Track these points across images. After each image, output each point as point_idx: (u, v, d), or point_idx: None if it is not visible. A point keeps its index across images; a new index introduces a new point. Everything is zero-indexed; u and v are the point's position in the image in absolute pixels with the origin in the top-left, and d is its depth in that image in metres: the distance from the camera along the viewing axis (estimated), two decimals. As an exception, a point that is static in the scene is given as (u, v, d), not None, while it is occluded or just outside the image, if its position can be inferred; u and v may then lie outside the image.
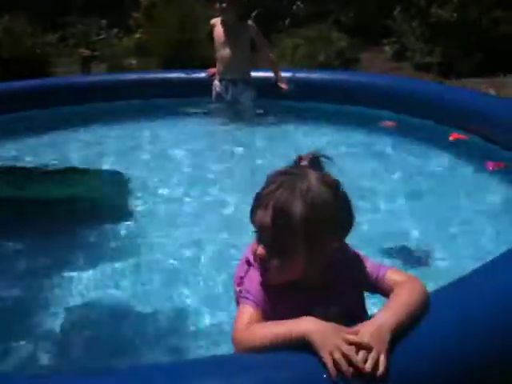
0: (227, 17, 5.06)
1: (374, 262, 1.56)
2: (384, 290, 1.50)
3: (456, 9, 7.50)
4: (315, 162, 1.48)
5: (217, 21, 5.21)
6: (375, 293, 1.54)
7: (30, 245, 3.09)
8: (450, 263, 2.70)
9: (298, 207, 1.37)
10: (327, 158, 1.51)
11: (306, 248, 1.41)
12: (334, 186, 1.43)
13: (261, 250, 1.42)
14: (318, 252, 1.43)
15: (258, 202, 1.42)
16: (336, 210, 1.42)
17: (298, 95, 5.17)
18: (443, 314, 1.48)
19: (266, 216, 1.39)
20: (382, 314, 1.38)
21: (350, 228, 1.49)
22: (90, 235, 3.16)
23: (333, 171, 1.52)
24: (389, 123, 4.69)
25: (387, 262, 2.51)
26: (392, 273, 1.52)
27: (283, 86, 5.15)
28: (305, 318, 1.35)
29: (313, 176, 1.41)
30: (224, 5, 4.98)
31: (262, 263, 1.44)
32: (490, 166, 3.75)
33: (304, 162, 1.48)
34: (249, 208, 1.47)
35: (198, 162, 4.25)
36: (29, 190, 3.65)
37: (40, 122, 5.19)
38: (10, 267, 2.87)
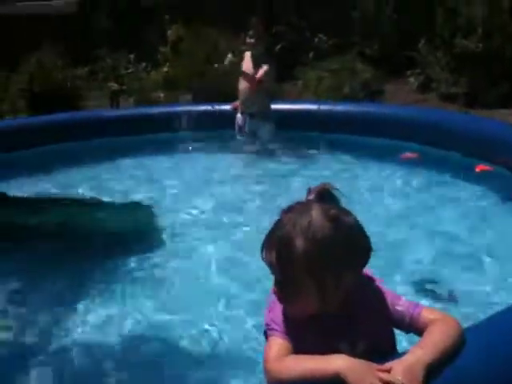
0: (255, 51, 5.15)
1: (408, 301, 1.54)
2: (419, 329, 1.47)
3: (481, 39, 7.50)
4: (324, 194, 1.49)
5: (246, 54, 5.31)
6: (410, 332, 1.52)
7: (65, 274, 3.15)
8: (480, 298, 2.65)
9: (298, 243, 1.38)
10: (336, 189, 1.51)
11: (313, 283, 1.41)
12: (338, 219, 1.42)
13: (274, 288, 1.48)
14: (330, 286, 1.43)
15: (266, 241, 1.46)
16: (340, 244, 1.41)
17: (321, 126, 5.21)
18: (474, 352, 1.45)
19: (271, 254, 1.43)
20: (415, 351, 1.36)
21: (365, 259, 1.48)
22: (119, 266, 3.21)
23: (350, 203, 1.52)
24: (410, 155, 4.68)
25: (414, 297, 2.48)
26: (427, 311, 1.49)
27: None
28: (337, 355, 1.35)
29: (316, 210, 1.42)
30: (252, 40, 5.08)
31: (280, 300, 1.48)
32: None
33: (311, 196, 1.49)
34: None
35: (222, 193, 4.29)
36: (61, 221, 3.69)
37: (71, 154, 5.30)
38: (42, 295, 2.94)
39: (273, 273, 1.46)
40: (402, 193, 4.14)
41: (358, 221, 1.48)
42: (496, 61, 7.33)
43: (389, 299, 1.52)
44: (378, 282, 1.57)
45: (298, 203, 1.48)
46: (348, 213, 1.47)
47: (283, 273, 1.42)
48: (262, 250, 1.47)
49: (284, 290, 1.45)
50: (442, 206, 3.83)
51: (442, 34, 7.92)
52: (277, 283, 1.46)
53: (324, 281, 1.41)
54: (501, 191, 3.91)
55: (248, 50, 5.28)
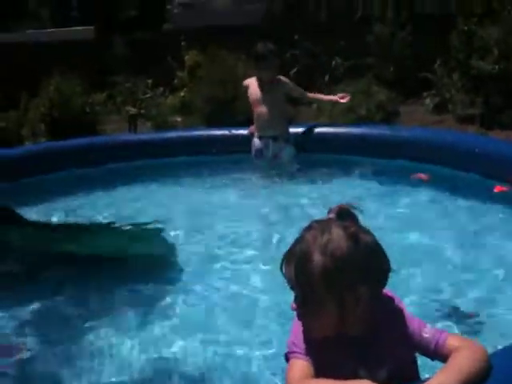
0: (264, 75, 5.19)
1: (433, 328, 1.54)
2: (444, 356, 1.46)
3: (497, 60, 7.49)
4: (343, 213, 1.50)
5: (250, 80, 5.36)
6: (435, 358, 1.51)
7: (77, 297, 3.16)
8: (505, 321, 2.62)
9: (317, 259, 1.40)
10: (356, 209, 1.53)
11: (332, 300, 1.42)
12: (357, 237, 1.44)
13: (293, 304, 1.48)
14: (349, 303, 1.43)
15: (285, 259, 1.48)
16: (359, 261, 1.42)
17: (340, 149, 5.24)
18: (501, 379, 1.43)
19: (290, 271, 1.45)
20: (438, 377, 1.36)
21: (383, 278, 1.48)
22: (131, 290, 3.22)
23: (369, 223, 1.54)
24: (422, 175, 4.66)
25: (435, 321, 2.46)
26: (453, 338, 1.49)
27: (341, 98, 5.27)
28: (360, 380, 1.36)
29: (335, 228, 1.44)
30: (266, 66, 5.13)
31: (299, 318, 1.50)
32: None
33: (331, 215, 1.51)
34: None
35: (239, 218, 4.29)
36: (71, 245, 3.71)
37: (88, 178, 5.36)
38: (52, 319, 2.96)
39: (292, 288, 1.48)
40: (421, 214, 4.12)
41: (376, 240, 1.50)
42: (512, 82, 7.32)
43: (415, 325, 1.51)
44: (398, 302, 1.56)
45: (318, 221, 1.51)
46: (367, 231, 1.49)
47: (302, 288, 1.44)
48: (281, 266, 1.48)
49: (303, 305, 1.46)
50: (462, 229, 3.80)
51: (458, 55, 7.94)
52: (296, 298, 1.47)
53: (342, 297, 1.42)
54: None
55: (254, 76, 5.34)
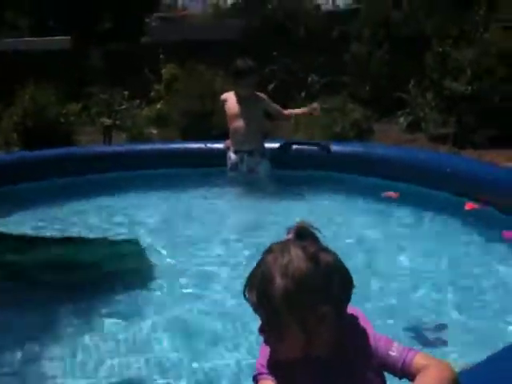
0: (242, 91, 5.21)
1: (400, 345, 1.53)
2: (411, 375, 1.46)
3: (469, 81, 7.66)
4: (302, 233, 1.50)
5: (228, 95, 5.37)
6: (403, 377, 1.51)
7: (59, 311, 3.11)
8: (469, 340, 2.64)
9: (278, 282, 1.40)
10: (315, 228, 1.52)
11: (295, 321, 1.41)
12: (317, 257, 1.44)
13: (259, 329, 1.47)
14: (312, 324, 1.42)
15: (247, 282, 1.47)
16: (320, 281, 1.42)
17: (315, 165, 5.29)
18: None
19: (252, 295, 1.44)
20: None
21: (346, 297, 1.48)
22: (109, 304, 3.17)
23: (338, 241, 1.54)
24: (392, 193, 4.72)
25: (402, 340, 2.47)
26: (420, 357, 1.48)
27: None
28: None
29: (294, 249, 1.43)
30: (245, 82, 5.15)
31: (266, 342, 1.49)
32: (507, 234, 3.73)
33: (290, 235, 1.50)
34: None
35: (214, 232, 4.28)
36: (49, 257, 3.66)
37: (61, 190, 5.31)
38: (23, 332, 2.90)
39: (256, 313, 1.47)
40: (390, 231, 4.16)
41: (338, 258, 1.49)
42: (485, 102, 7.47)
43: (382, 343, 1.51)
44: (364, 320, 1.56)
45: (278, 243, 1.50)
46: (328, 250, 1.48)
47: (265, 311, 1.43)
48: (244, 289, 1.48)
49: (268, 329, 1.45)
50: (429, 244, 3.85)
51: (432, 76, 8.09)
52: (262, 323, 1.47)
53: (305, 318, 1.41)
54: (490, 228, 3.94)
55: (230, 90, 5.37)
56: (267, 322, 1.44)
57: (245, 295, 1.47)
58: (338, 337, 1.48)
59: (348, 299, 1.49)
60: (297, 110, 5.77)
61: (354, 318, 1.55)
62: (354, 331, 1.53)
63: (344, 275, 1.48)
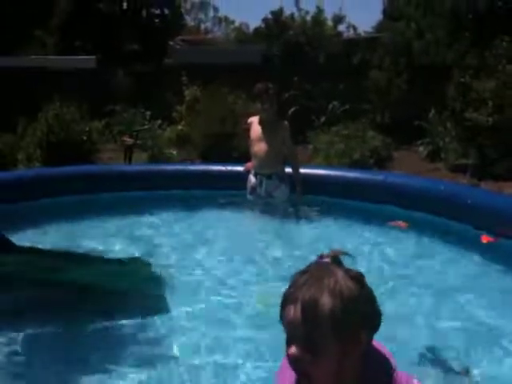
0: (266, 116, 5.27)
1: (419, 383, 1.52)
2: None
3: (491, 112, 7.65)
4: (337, 259, 1.51)
5: (254, 119, 5.43)
6: None
7: (55, 330, 3.10)
8: (489, 372, 2.61)
9: (326, 300, 1.38)
10: (348, 255, 1.53)
11: (336, 342, 1.39)
12: (361, 280, 1.44)
13: (293, 349, 1.40)
14: (351, 347, 1.41)
15: (286, 300, 1.43)
16: (363, 304, 1.42)
17: (333, 192, 5.29)
18: None
19: (295, 312, 1.39)
20: None
21: (377, 325, 1.48)
22: (118, 323, 3.17)
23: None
24: (400, 223, 4.71)
25: (424, 370, 2.45)
26: None
27: (298, 198, 5.28)
28: None
29: (338, 271, 1.44)
30: (266, 105, 5.22)
31: (296, 364, 1.42)
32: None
33: (326, 259, 1.50)
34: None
35: (231, 254, 4.29)
36: (61, 274, 3.68)
37: (79, 207, 5.37)
38: (28, 350, 2.89)
39: (292, 334, 1.41)
40: (407, 261, 4.14)
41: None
42: (505, 134, 7.45)
43: (403, 379, 1.50)
44: (387, 354, 1.55)
45: (317, 265, 1.49)
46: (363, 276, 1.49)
47: (308, 331, 1.39)
48: (280, 311, 1.44)
49: (305, 350, 1.39)
50: (447, 275, 3.83)
51: (454, 106, 8.10)
52: (297, 344, 1.40)
53: (346, 340, 1.40)
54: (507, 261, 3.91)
55: (257, 115, 5.41)
56: (308, 344, 1.40)
57: (281, 314, 1.44)
58: (363, 368, 1.47)
59: (378, 327, 1.49)
60: (298, 179, 5.31)
61: (377, 350, 1.54)
62: (377, 363, 1.52)
63: (376, 302, 1.48)
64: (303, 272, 1.47)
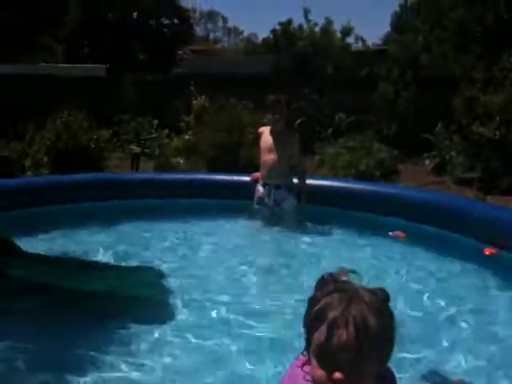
0: (277, 127, 5.31)
1: None
2: None
3: (498, 127, 7.66)
4: (349, 277, 1.50)
5: (265, 129, 5.47)
6: None
7: (55, 334, 3.11)
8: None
9: (373, 320, 1.36)
10: (356, 273, 1.51)
11: (378, 362, 1.39)
12: (388, 300, 1.44)
13: (339, 375, 1.34)
14: (382, 363, 1.41)
15: (333, 324, 1.35)
16: (393, 322, 1.42)
17: (341, 203, 5.32)
18: None
19: (348, 335, 1.33)
20: None
21: (394, 345, 1.45)
22: (122, 331, 3.17)
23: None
24: (399, 233, 4.72)
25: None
26: None
27: (302, 208, 5.32)
28: None
29: (366, 291, 1.41)
30: (277, 116, 5.26)
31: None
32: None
33: (344, 278, 1.48)
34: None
35: (235, 262, 4.31)
36: (62, 280, 3.69)
37: (87, 214, 5.40)
38: (28, 352, 2.90)
39: (339, 357, 1.34)
40: (411, 275, 4.14)
41: None
42: (512, 148, 7.47)
43: None
44: (391, 373, 1.55)
45: (339, 284, 1.46)
46: None
47: (361, 354, 1.34)
48: (310, 330, 1.39)
49: (354, 373, 1.34)
50: (448, 289, 3.83)
51: (460, 119, 8.12)
52: (345, 368, 1.34)
53: (382, 357, 1.40)
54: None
55: (267, 125, 5.44)
56: (356, 362, 1.34)
57: (328, 336, 1.36)
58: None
59: (393, 347, 1.46)
60: (303, 190, 5.38)
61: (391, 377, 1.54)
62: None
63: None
64: (329, 292, 1.42)
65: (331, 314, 1.36)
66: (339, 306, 1.36)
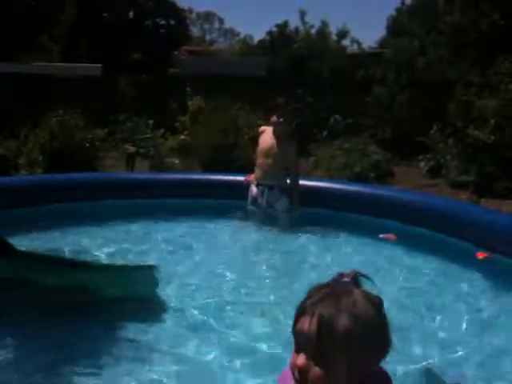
0: (280, 129, 5.29)
1: None
2: None
3: (493, 131, 7.69)
4: (357, 280, 1.51)
5: (266, 128, 5.45)
6: None
7: (52, 333, 3.11)
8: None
9: (343, 321, 1.37)
10: (367, 277, 1.51)
11: (347, 363, 1.38)
12: (379, 305, 1.44)
13: (302, 359, 1.39)
14: (358, 368, 1.40)
15: (303, 311, 1.41)
16: (379, 329, 1.41)
17: (335, 205, 5.32)
18: None
19: (310, 326, 1.38)
20: None
21: (386, 352, 1.45)
22: (118, 329, 3.18)
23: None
24: (390, 236, 4.74)
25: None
26: None
27: (294, 209, 5.32)
28: None
29: (357, 292, 1.42)
30: (281, 119, 5.25)
31: (300, 374, 1.39)
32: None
33: (346, 279, 1.48)
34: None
35: (229, 263, 4.30)
36: (59, 278, 3.68)
37: (83, 213, 5.39)
38: (26, 352, 2.89)
39: (303, 345, 1.40)
40: (403, 277, 4.14)
41: None
42: (506, 152, 7.49)
43: None
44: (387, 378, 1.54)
45: (337, 282, 1.47)
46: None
47: (321, 348, 1.37)
48: (294, 321, 1.42)
49: (315, 363, 1.38)
50: (441, 292, 3.84)
51: (455, 123, 8.15)
52: (308, 356, 1.39)
53: (355, 362, 1.38)
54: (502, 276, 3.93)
55: (269, 126, 5.43)
56: (316, 355, 1.38)
57: (295, 324, 1.42)
58: None
59: (386, 355, 1.45)
60: (295, 195, 5.35)
61: (380, 374, 1.54)
62: None
63: (389, 328, 1.48)
64: (322, 287, 1.45)
65: (304, 302, 1.42)
66: (314, 299, 1.41)
